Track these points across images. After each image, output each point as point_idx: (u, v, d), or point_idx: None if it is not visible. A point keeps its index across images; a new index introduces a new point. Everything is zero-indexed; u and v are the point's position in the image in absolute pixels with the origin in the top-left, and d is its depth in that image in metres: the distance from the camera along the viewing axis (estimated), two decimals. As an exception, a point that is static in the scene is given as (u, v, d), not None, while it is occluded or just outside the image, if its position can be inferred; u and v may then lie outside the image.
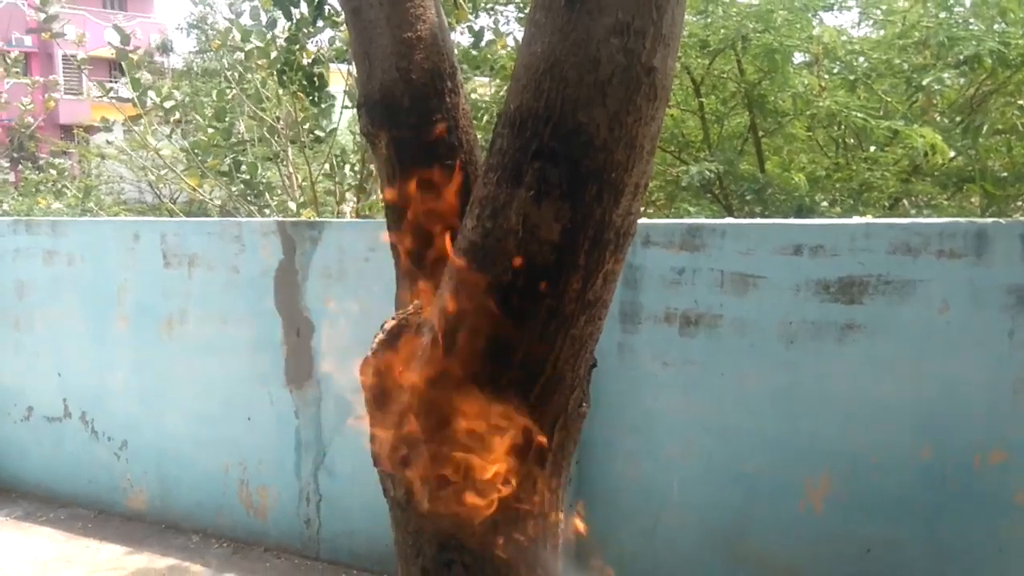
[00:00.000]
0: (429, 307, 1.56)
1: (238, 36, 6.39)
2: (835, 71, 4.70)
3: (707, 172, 4.35)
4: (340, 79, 7.06)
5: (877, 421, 2.89)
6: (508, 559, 1.47)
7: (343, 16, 2.23)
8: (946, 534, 2.83)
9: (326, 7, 3.34)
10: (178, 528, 4.30)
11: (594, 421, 3.27)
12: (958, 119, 4.60)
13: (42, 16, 7.03)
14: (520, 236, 1.32)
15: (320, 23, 3.70)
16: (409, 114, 1.63)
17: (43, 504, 4.66)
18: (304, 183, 7.19)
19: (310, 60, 4.03)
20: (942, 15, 4.39)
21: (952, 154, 4.28)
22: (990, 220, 2.79)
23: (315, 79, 4.13)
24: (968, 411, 2.79)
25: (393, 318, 1.62)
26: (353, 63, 1.88)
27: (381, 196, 1.81)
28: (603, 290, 1.37)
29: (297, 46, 4.01)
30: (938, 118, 4.81)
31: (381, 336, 1.61)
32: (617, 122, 1.28)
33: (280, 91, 5.58)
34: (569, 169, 1.29)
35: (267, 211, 6.89)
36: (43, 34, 7.35)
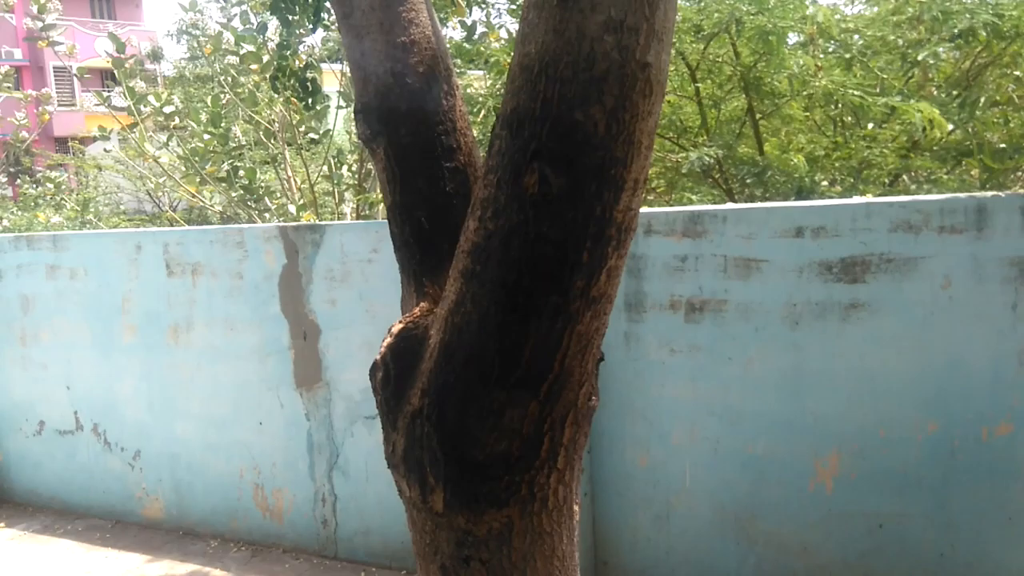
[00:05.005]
0: (435, 309, 1.57)
1: (231, 40, 6.40)
2: (830, 50, 4.69)
3: (706, 157, 4.35)
4: (334, 79, 7.07)
5: (884, 398, 2.91)
6: (525, 553, 1.49)
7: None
8: (955, 506, 2.85)
9: (323, 13, 3.35)
10: (195, 534, 4.34)
11: (603, 410, 3.29)
12: (955, 93, 4.59)
13: (39, 24, 7.02)
14: (522, 236, 1.34)
15: (312, 27, 3.70)
16: (406, 119, 1.64)
17: (59, 517, 4.70)
18: (303, 185, 7.21)
19: (302, 65, 4.03)
20: (935, -11, 4.37)
21: (950, 128, 4.28)
22: (990, 194, 2.79)
23: (308, 84, 4.13)
24: (974, 384, 2.80)
25: (400, 321, 1.63)
26: (346, 63, 1.89)
27: (382, 200, 1.82)
28: (607, 286, 1.38)
29: (289, 51, 4.01)
30: (935, 92, 4.80)
31: (389, 339, 1.62)
32: (614, 119, 1.29)
33: (274, 94, 5.59)
34: (568, 168, 1.30)
35: (267, 215, 6.91)
36: (39, 42, 7.35)
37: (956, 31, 4.00)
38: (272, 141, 7.13)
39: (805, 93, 4.55)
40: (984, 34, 3.95)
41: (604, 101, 1.28)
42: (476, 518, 1.47)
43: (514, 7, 5.91)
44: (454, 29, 6.05)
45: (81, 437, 4.68)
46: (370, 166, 6.59)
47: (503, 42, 5.89)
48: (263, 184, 7.07)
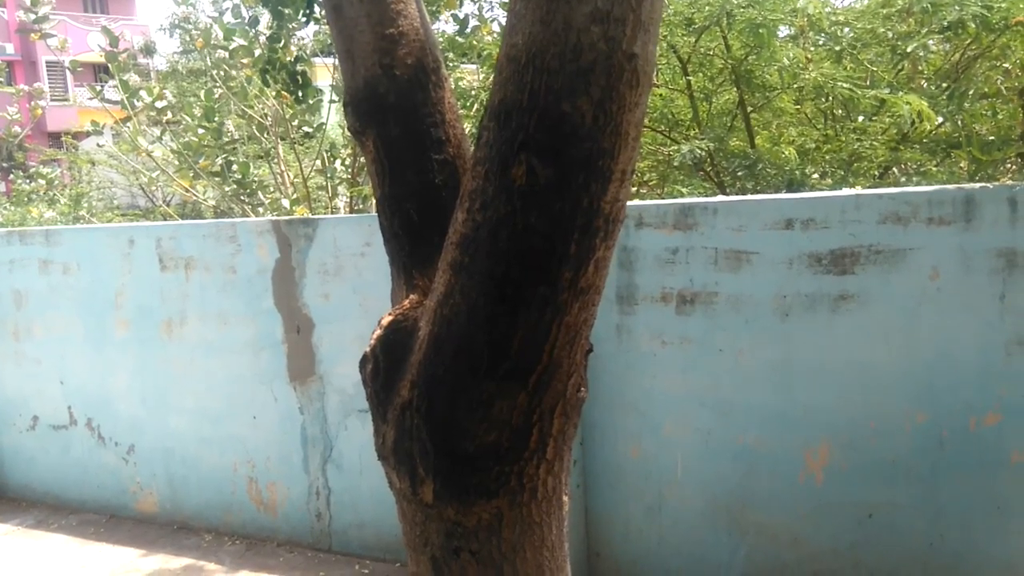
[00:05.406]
0: (425, 301, 1.58)
1: (221, 34, 6.38)
2: (820, 43, 4.70)
3: (698, 150, 4.36)
4: (327, 73, 7.05)
5: (873, 389, 2.93)
6: (515, 543, 1.50)
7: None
8: (945, 496, 2.88)
9: (315, 6, 3.34)
10: (190, 528, 4.35)
11: (595, 402, 3.31)
12: (944, 85, 4.61)
13: (31, 16, 6.97)
14: (510, 228, 1.34)
15: (305, 20, 3.69)
16: (395, 110, 1.64)
17: (53, 512, 4.70)
18: (296, 180, 7.20)
19: (292, 58, 4.01)
20: (925, -19, 4.37)
21: (939, 120, 4.29)
22: (977, 186, 2.81)
23: (298, 77, 4.11)
24: (962, 375, 2.82)
25: (390, 313, 1.64)
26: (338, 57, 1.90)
27: (372, 192, 1.83)
28: (595, 277, 1.39)
29: (280, 44, 3.99)
30: (924, 85, 4.82)
31: (379, 332, 1.63)
32: (601, 110, 1.30)
33: (266, 88, 5.58)
34: (555, 159, 1.31)
35: (261, 209, 6.89)
36: (32, 35, 7.30)
37: (945, 23, 4.01)
38: (265, 135, 7.12)
39: (796, 86, 4.55)
40: (973, 26, 3.96)
41: (591, 92, 1.29)
42: (466, 509, 1.48)
43: (506, 1, 5.90)
44: (446, 23, 6.04)
45: (75, 432, 4.68)
46: (363, 160, 6.58)
47: (495, 35, 5.88)
48: (256, 178, 7.05)
